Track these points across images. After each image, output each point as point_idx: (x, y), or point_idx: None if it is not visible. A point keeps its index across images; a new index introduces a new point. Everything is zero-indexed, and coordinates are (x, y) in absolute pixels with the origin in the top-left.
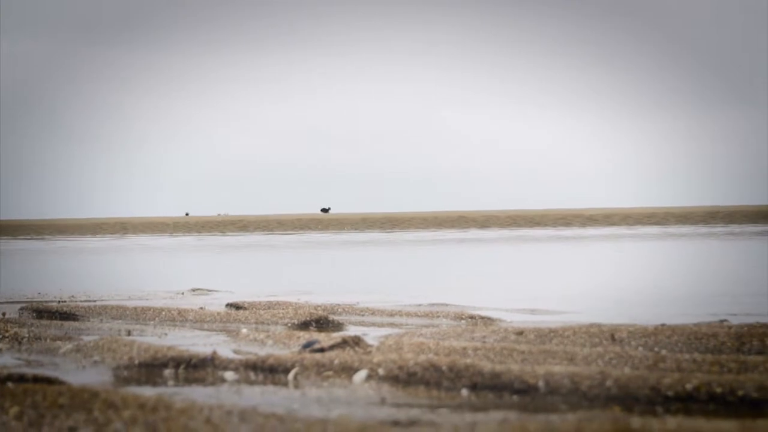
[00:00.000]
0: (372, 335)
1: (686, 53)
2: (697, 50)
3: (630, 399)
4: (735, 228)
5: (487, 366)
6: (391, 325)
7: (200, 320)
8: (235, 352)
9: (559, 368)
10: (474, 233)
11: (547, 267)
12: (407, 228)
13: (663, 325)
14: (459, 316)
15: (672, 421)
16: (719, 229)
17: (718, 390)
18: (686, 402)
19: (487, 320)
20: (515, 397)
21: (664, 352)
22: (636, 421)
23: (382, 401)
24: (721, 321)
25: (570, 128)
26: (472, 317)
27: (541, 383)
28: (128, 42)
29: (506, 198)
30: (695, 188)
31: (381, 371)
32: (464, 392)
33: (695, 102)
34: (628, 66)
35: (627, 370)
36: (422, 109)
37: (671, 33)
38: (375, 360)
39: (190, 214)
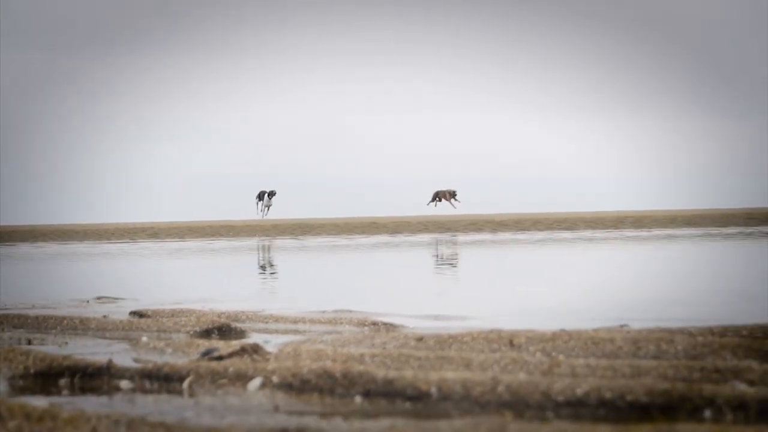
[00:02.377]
0: (274, 342)
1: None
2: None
3: (521, 404)
4: (643, 233)
5: (380, 373)
6: (295, 332)
7: (102, 329)
8: (135, 360)
9: (451, 374)
10: (384, 239)
11: (453, 272)
12: (319, 234)
13: (562, 330)
14: (362, 323)
15: (558, 426)
16: (628, 233)
17: (608, 395)
18: (576, 407)
19: (390, 326)
20: (408, 404)
21: (561, 357)
22: (521, 426)
23: (275, 409)
24: (622, 326)
25: (503, 130)
26: (375, 323)
27: (433, 389)
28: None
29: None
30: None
31: (275, 379)
32: (357, 399)
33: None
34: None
35: (522, 375)
36: (332, 114)
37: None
38: (269, 368)
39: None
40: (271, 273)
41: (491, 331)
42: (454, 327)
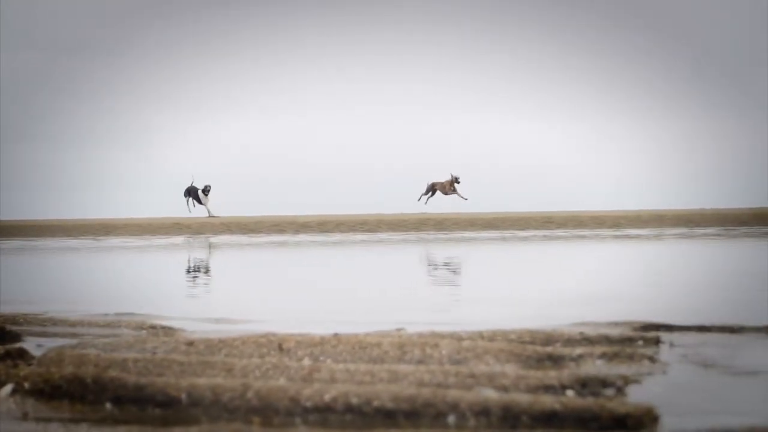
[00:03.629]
0: (48, 346)
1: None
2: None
3: (270, 410)
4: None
5: (131, 379)
6: (73, 335)
7: None
8: None
9: (202, 380)
10: (183, 239)
11: (245, 274)
12: (120, 234)
13: (335, 334)
14: (140, 326)
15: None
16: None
17: (355, 400)
18: (324, 413)
19: (168, 330)
20: (158, 410)
21: (329, 361)
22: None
23: (25, 416)
24: (398, 329)
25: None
26: (153, 327)
27: (183, 396)
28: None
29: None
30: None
31: (27, 385)
32: (108, 406)
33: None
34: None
35: (274, 381)
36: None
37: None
38: (22, 374)
39: None
40: (63, 273)
41: (262, 336)
42: (231, 330)
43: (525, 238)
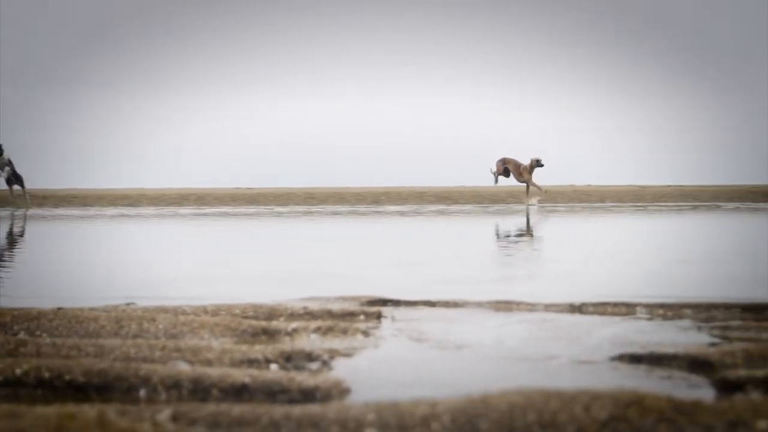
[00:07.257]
0: None
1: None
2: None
3: None
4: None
5: None
6: None
7: None
8: None
9: None
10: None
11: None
12: None
13: (59, 308)
14: None
15: None
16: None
17: (47, 375)
18: (15, 387)
19: None
20: None
21: (44, 335)
22: None
23: None
24: (128, 304)
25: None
26: None
27: None
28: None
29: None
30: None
31: None
32: None
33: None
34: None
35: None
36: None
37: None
38: None
39: None
40: None
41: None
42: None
43: (281, 213)
